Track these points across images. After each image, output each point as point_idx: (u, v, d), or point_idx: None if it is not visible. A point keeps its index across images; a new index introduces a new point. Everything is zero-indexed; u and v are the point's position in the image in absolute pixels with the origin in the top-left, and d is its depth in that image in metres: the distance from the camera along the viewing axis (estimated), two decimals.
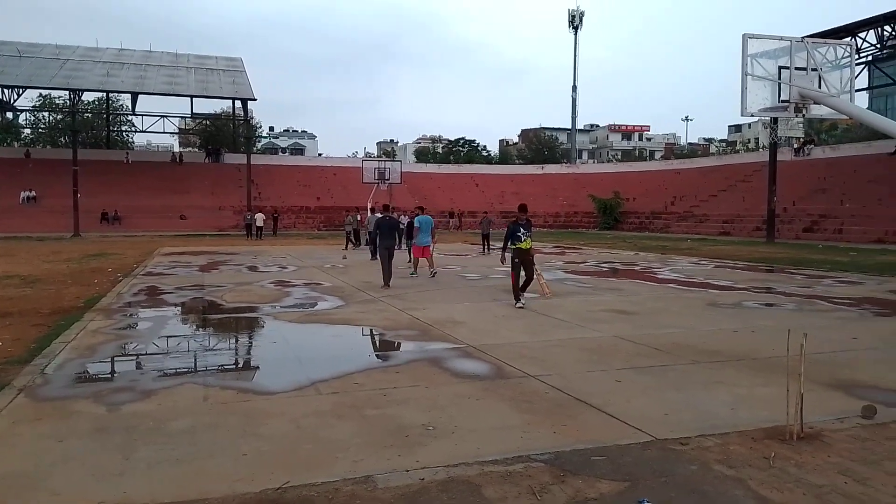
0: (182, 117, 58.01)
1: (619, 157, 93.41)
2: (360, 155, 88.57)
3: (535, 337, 8.66)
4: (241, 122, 54.69)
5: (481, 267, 19.34)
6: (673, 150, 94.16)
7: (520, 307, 10.94)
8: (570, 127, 77.27)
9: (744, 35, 9.17)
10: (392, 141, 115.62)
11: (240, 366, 7.63)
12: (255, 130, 74.53)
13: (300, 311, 11.10)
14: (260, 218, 37.81)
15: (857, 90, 33.75)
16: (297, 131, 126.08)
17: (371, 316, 10.40)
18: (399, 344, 8.44)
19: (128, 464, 4.31)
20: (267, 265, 19.82)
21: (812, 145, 49.31)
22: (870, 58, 34.15)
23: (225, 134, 64.39)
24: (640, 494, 3.80)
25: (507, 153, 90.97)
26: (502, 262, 11.23)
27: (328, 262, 20.46)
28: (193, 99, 51.02)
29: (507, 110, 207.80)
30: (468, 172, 63.32)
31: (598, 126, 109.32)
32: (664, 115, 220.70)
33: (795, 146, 47.78)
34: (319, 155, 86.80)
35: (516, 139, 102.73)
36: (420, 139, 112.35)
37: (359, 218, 29.13)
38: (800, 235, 36.38)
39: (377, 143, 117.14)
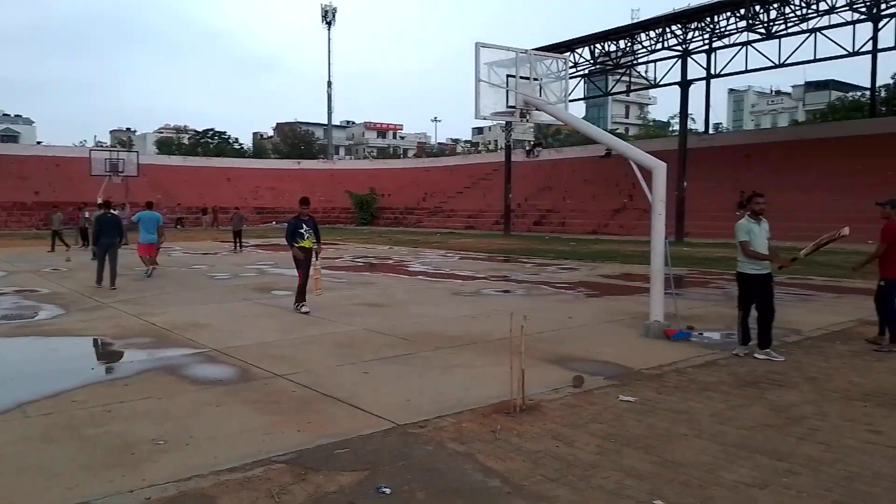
0: None
1: (375, 154, 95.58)
2: (90, 144, 78.58)
3: (286, 335, 8.47)
4: None
5: (231, 266, 18.44)
6: (424, 148, 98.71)
7: (305, 311, 10.13)
8: (326, 122, 77.05)
9: (476, 44, 9.71)
10: (129, 130, 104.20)
11: None
12: None
13: (7, 323, 9.50)
14: None
15: (574, 100, 39.20)
16: (9, 115, 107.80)
17: (98, 324, 9.28)
18: (130, 353, 7.64)
19: None
20: None
21: (541, 148, 55.34)
22: (586, 72, 39.13)
23: None
24: (379, 481, 3.89)
25: (261, 147, 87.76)
26: (295, 259, 10.34)
27: (48, 266, 17.85)
28: None
29: (261, 103, 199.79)
30: (219, 166, 59.79)
31: (354, 123, 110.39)
32: (416, 114, 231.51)
33: (527, 148, 53.32)
34: (39, 143, 75.10)
35: (271, 132, 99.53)
36: (162, 129, 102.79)
37: (86, 215, 25.91)
38: (531, 228, 40.78)
39: (111, 132, 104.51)
